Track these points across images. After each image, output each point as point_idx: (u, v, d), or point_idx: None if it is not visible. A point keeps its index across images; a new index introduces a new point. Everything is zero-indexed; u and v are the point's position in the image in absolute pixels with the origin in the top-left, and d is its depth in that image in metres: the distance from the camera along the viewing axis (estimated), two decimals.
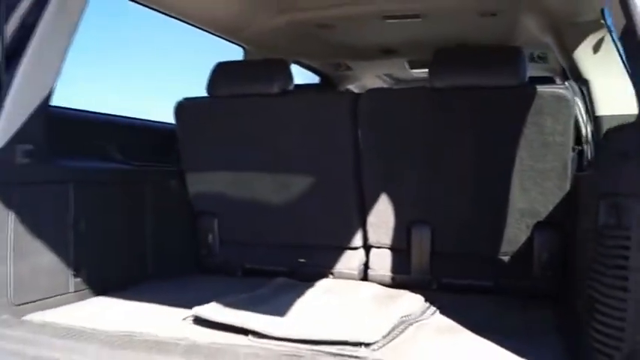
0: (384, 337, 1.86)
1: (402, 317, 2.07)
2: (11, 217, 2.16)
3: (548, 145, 2.40)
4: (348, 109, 2.67)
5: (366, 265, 2.84)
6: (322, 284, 2.65)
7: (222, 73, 2.89)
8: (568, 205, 2.41)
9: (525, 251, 2.56)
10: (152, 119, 3.41)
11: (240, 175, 2.94)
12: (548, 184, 2.45)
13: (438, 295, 2.50)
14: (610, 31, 1.86)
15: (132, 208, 2.81)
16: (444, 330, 2.04)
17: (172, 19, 3.26)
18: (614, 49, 1.78)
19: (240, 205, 2.98)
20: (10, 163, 2.16)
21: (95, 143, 2.79)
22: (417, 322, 2.11)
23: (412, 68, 4.69)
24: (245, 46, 4.00)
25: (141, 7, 2.97)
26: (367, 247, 2.85)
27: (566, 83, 4.52)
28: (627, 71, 1.54)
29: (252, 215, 2.98)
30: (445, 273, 2.69)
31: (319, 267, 2.85)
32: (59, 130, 2.43)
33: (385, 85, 5.55)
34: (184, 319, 2.12)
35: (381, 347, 1.81)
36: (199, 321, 2.07)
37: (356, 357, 1.74)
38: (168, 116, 3.05)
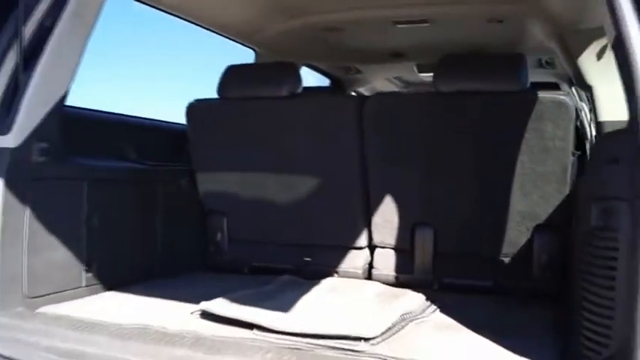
0: (383, 332, 1.91)
1: (402, 314, 2.12)
2: (26, 213, 2.23)
3: (548, 149, 2.45)
4: (354, 112, 2.73)
5: (371, 265, 2.90)
6: (327, 282, 2.71)
7: (232, 75, 2.96)
8: (567, 209, 2.46)
9: (525, 253, 2.61)
10: (164, 120, 3.50)
11: (249, 176, 3.01)
12: (548, 188, 2.51)
13: (439, 294, 2.55)
14: None
15: (143, 206, 2.89)
16: (443, 327, 2.10)
17: (189, 23, 3.37)
18: None
19: (249, 204, 3.04)
20: (26, 160, 2.24)
21: (108, 142, 2.87)
22: (416, 319, 2.16)
23: (420, 72, 4.74)
24: (256, 49, 4.05)
25: (159, 12, 3.08)
26: (372, 247, 2.91)
27: (572, 89, 4.58)
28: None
29: (260, 214, 3.05)
30: (447, 273, 2.74)
31: (324, 266, 2.92)
32: (74, 130, 2.49)
33: (395, 88, 5.62)
34: (192, 313, 2.19)
35: (379, 342, 1.86)
36: (206, 315, 2.14)
37: (355, 351, 1.79)
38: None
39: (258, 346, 1.83)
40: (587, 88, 3.32)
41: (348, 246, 2.91)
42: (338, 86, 5.20)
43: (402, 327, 2.05)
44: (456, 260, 2.74)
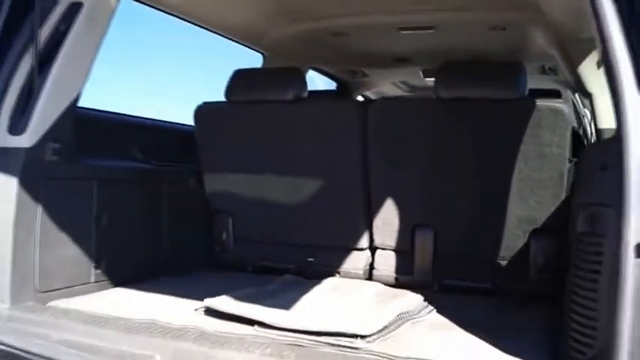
0: (379, 330, 1.98)
1: (399, 314, 2.18)
2: (39, 211, 2.31)
3: (545, 155, 2.50)
4: (357, 116, 2.78)
5: (372, 266, 2.95)
6: (328, 282, 2.77)
7: (239, 79, 3.02)
8: (563, 213, 2.50)
9: (523, 256, 2.66)
10: (173, 121, 3.57)
11: (255, 177, 3.06)
12: (544, 193, 2.56)
13: (438, 295, 2.61)
14: None
15: (151, 205, 2.95)
16: (438, 327, 2.16)
17: (199, 27, 3.44)
18: None
19: (254, 205, 3.10)
20: (40, 160, 2.31)
21: (118, 143, 2.93)
22: (413, 319, 2.22)
23: (426, 77, 4.77)
24: (264, 52, 4.12)
25: (170, 17, 3.15)
26: (373, 249, 2.96)
27: (575, 95, 4.63)
28: None
29: (265, 215, 3.10)
30: (446, 275, 2.79)
31: (326, 266, 2.97)
32: (85, 130, 2.56)
33: (401, 92, 5.66)
34: (196, 309, 2.25)
35: (375, 339, 1.93)
36: (210, 312, 2.21)
37: (351, 347, 1.86)
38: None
39: (258, 341, 1.90)
40: (588, 96, 3.36)
41: (350, 247, 2.96)
42: (344, 89, 5.25)
43: (399, 326, 2.11)
44: (455, 262, 2.79)
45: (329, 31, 3.81)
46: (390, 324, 2.08)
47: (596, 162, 1.73)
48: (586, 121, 4.66)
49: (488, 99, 2.58)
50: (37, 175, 2.30)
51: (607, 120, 3.20)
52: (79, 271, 2.52)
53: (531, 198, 2.59)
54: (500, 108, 2.57)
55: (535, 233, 2.64)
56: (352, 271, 2.95)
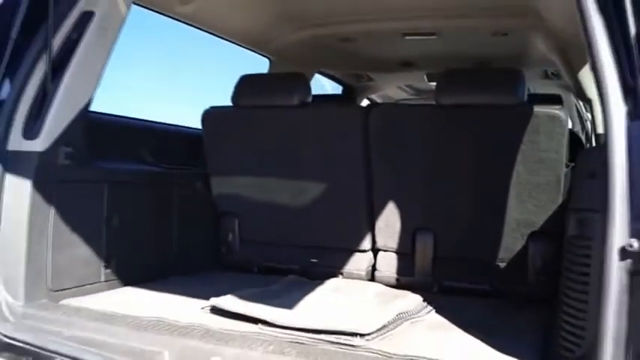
0: (378, 329, 2.04)
1: (398, 314, 2.24)
2: (52, 213, 2.37)
3: (542, 160, 2.54)
4: (360, 121, 2.83)
5: (374, 267, 3.00)
6: (331, 283, 2.82)
7: (246, 85, 3.07)
8: (560, 217, 2.55)
9: (521, 258, 2.70)
10: (181, 125, 3.64)
11: (261, 180, 3.12)
12: (542, 197, 2.59)
13: (437, 296, 2.66)
14: None
15: (160, 207, 3.01)
16: (436, 326, 2.22)
17: (207, 34, 3.53)
18: None
19: (260, 207, 3.15)
20: (53, 164, 2.37)
21: (128, 147, 3.00)
22: (412, 318, 2.28)
23: (430, 81, 4.82)
24: (271, 57, 4.18)
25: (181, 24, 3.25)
26: (375, 250, 3.01)
27: (580, 102, 4.68)
28: None
29: (270, 217, 3.16)
30: (446, 276, 2.84)
31: (330, 267, 3.02)
32: (96, 134, 2.63)
33: (406, 96, 5.73)
34: (203, 308, 2.32)
35: (374, 338, 1.99)
36: (216, 310, 2.27)
37: (351, 345, 1.93)
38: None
39: (261, 339, 1.96)
40: (588, 101, 3.41)
41: (353, 249, 3.01)
42: (350, 93, 5.31)
43: (398, 325, 2.17)
44: (454, 264, 2.84)
45: (335, 37, 3.88)
46: (390, 323, 2.15)
47: (586, 169, 1.79)
48: (589, 125, 4.70)
49: (487, 105, 2.62)
50: (50, 178, 2.36)
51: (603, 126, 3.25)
52: (89, 270, 2.58)
53: (529, 201, 2.63)
54: (499, 114, 2.62)
55: (533, 236, 2.68)
56: (355, 272, 3.01)
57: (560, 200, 2.59)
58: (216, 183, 3.23)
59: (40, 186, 2.32)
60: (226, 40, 3.72)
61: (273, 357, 1.84)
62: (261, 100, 3.03)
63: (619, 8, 1.57)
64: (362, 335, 1.98)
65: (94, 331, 2.05)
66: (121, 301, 2.44)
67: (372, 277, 3.01)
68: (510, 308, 2.59)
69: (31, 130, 2.34)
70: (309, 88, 3.07)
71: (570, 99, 4.93)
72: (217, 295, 2.36)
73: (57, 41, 2.40)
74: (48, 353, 1.96)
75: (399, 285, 2.90)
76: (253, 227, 3.25)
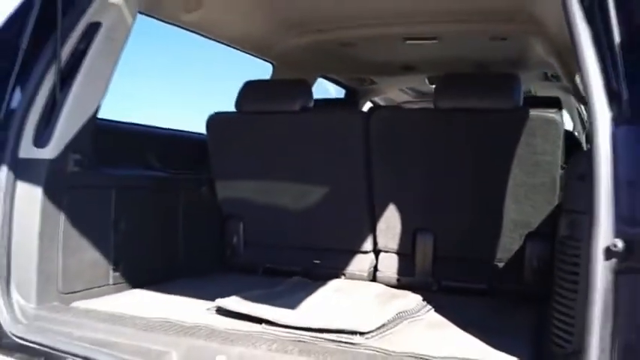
0: (378, 328, 2.11)
1: (398, 313, 2.31)
2: (62, 218, 2.44)
3: (538, 163, 2.59)
4: (360, 126, 2.88)
5: (375, 268, 3.06)
6: (334, 284, 2.89)
7: (249, 91, 3.12)
8: (556, 218, 2.62)
9: (518, 258, 2.75)
10: (186, 130, 3.71)
11: (264, 184, 3.18)
12: (538, 198, 2.64)
13: (437, 295, 2.72)
14: None
15: (166, 211, 3.07)
16: (434, 325, 2.28)
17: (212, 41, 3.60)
18: None
19: (264, 210, 3.21)
20: (62, 171, 2.44)
21: (135, 152, 3.06)
22: (411, 317, 2.34)
23: (431, 84, 4.86)
24: (274, 62, 4.25)
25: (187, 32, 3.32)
26: (376, 251, 3.07)
27: (581, 105, 4.72)
28: None
29: (274, 220, 3.22)
30: (445, 276, 2.89)
31: (332, 268, 3.08)
32: (104, 140, 2.69)
33: (409, 98, 5.79)
34: (208, 309, 2.38)
35: (374, 336, 2.05)
36: (221, 311, 2.33)
37: (351, 343, 1.99)
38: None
39: (265, 338, 2.03)
40: (585, 104, 3.45)
41: (355, 250, 3.07)
42: (353, 96, 5.38)
43: (397, 324, 2.24)
44: (453, 264, 2.89)
45: (336, 42, 3.94)
46: (389, 322, 2.21)
47: (575, 172, 1.85)
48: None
49: (484, 109, 2.67)
50: (59, 184, 2.42)
51: None
52: (98, 273, 2.64)
53: (526, 203, 2.67)
54: (496, 118, 2.66)
55: (530, 236, 2.73)
56: (357, 272, 3.06)
57: (555, 202, 2.63)
58: (221, 187, 3.28)
59: (50, 192, 2.38)
60: (230, 46, 3.78)
61: (276, 355, 1.91)
62: (264, 105, 3.08)
63: (605, 18, 1.63)
64: (362, 334, 2.04)
65: (103, 332, 2.11)
66: (129, 302, 2.51)
67: (373, 278, 3.07)
68: (507, 307, 2.64)
69: (41, 139, 2.40)
70: (310, 94, 3.13)
71: (571, 100, 4.98)
72: (222, 296, 2.43)
73: (65, 51, 2.45)
74: (59, 353, 2.03)
75: (399, 285, 2.95)
76: (257, 230, 3.30)
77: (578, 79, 3.49)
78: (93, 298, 2.54)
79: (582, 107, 4.95)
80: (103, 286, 2.67)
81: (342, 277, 3.08)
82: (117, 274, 2.74)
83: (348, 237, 3.09)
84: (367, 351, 1.95)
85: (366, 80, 5.15)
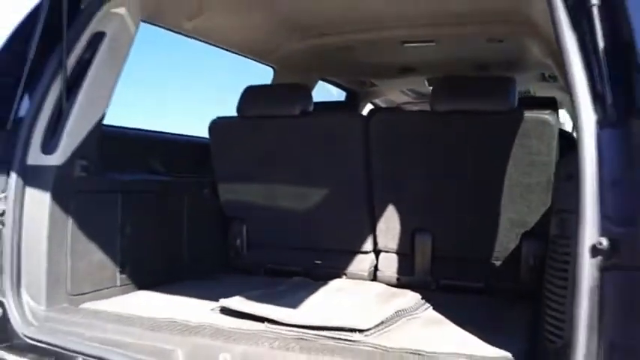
0: (376, 325, 2.17)
1: (396, 311, 2.37)
2: (70, 222, 2.50)
3: (533, 163, 2.64)
4: (359, 129, 2.94)
5: (376, 268, 3.12)
6: (335, 283, 2.95)
7: (250, 96, 3.18)
8: (550, 217, 2.67)
9: (515, 257, 2.80)
10: (189, 134, 3.78)
11: (266, 186, 3.23)
12: (534, 198, 2.69)
13: (435, 294, 2.77)
14: None
15: (171, 214, 3.13)
16: (432, 322, 2.34)
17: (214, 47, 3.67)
18: None
19: (266, 212, 3.27)
20: (69, 176, 2.50)
21: (139, 157, 3.14)
22: (410, 315, 2.41)
23: (430, 85, 4.91)
24: (275, 66, 4.31)
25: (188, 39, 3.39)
26: (377, 252, 3.12)
27: None
28: None
29: (276, 222, 3.28)
30: (444, 275, 2.95)
31: (334, 268, 3.14)
32: (109, 146, 2.75)
33: (408, 99, 5.84)
34: (212, 309, 2.44)
35: (372, 333, 2.12)
36: (225, 311, 2.39)
37: (351, 340, 2.06)
38: None
39: (267, 336, 2.10)
40: None
41: (355, 250, 3.13)
42: (353, 98, 5.43)
43: (395, 322, 2.30)
44: (452, 263, 2.94)
45: (336, 46, 3.98)
46: (388, 320, 2.27)
47: (564, 173, 1.91)
48: None
49: (480, 111, 2.72)
50: (67, 189, 2.49)
51: None
52: (105, 275, 2.71)
53: (522, 203, 2.72)
54: (491, 119, 2.71)
55: (526, 236, 2.77)
56: (358, 272, 3.12)
57: (550, 201, 2.68)
58: (224, 190, 3.34)
59: (58, 197, 2.45)
60: (231, 51, 3.85)
61: (278, 352, 1.97)
62: (265, 110, 3.14)
63: (590, 24, 1.69)
64: (361, 331, 2.10)
65: (112, 332, 2.19)
66: (136, 303, 2.57)
67: (374, 277, 3.13)
68: (504, 304, 2.69)
69: (48, 146, 2.47)
70: (310, 98, 3.18)
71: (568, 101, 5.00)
72: (226, 296, 2.49)
73: (71, 61, 2.53)
74: (70, 353, 2.10)
75: (399, 284, 3.01)
76: (260, 232, 3.37)
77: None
78: (101, 300, 2.61)
79: None
80: (111, 287, 2.73)
81: (343, 276, 3.14)
82: (124, 275, 2.80)
83: (349, 238, 3.14)
84: (366, 347, 2.01)
85: (367, 82, 5.21)
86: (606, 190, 1.57)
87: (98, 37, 2.58)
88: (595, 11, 1.66)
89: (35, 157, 2.45)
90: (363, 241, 3.10)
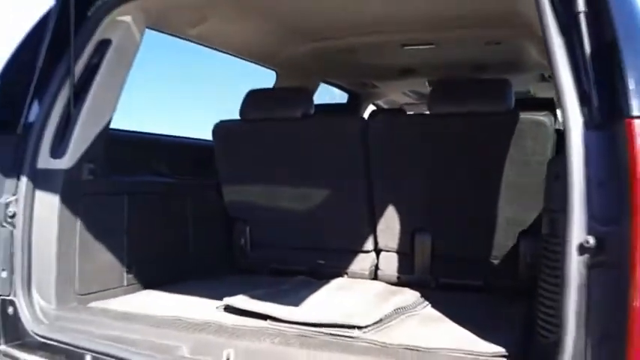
0: (375, 322, 2.23)
1: (395, 309, 2.43)
2: (78, 224, 2.57)
3: (529, 163, 2.68)
4: (359, 131, 3.01)
5: (376, 267, 3.18)
6: (336, 282, 3.01)
7: (252, 99, 3.24)
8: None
9: (512, 255, 2.85)
10: (194, 137, 3.85)
11: (269, 188, 3.30)
12: (529, 197, 2.69)
13: (435, 292, 2.83)
14: None
15: (176, 215, 3.21)
16: (429, 320, 2.40)
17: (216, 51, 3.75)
18: None
19: (269, 213, 3.33)
20: (77, 179, 2.57)
21: (144, 159, 3.20)
22: (409, 312, 2.47)
23: (431, 86, 5.00)
24: (277, 70, 4.38)
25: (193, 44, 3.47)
26: (377, 251, 3.18)
27: None
28: None
29: (278, 222, 3.34)
30: (443, 274, 3.00)
31: (335, 268, 3.20)
32: (116, 149, 2.82)
33: (409, 100, 5.89)
34: (217, 307, 2.50)
35: (371, 330, 2.18)
36: (228, 309, 2.46)
37: (350, 337, 2.12)
38: None
39: (269, 333, 2.16)
40: None
41: (356, 250, 3.19)
42: (355, 100, 5.50)
43: (394, 319, 2.36)
44: (451, 262, 3.00)
45: (337, 49, 4.04)
46: (386, 317, 2.33)
47: (553, 172, 1.97)
48: None
49: (477, 113, 2.77)
50: (75, 192, 2.56)
51: None
52: (113, 275, 2.78)
53: (518, 202, 2.77)
54: (488, 121, 2.76)
55: (523, 234, 2.82)
56: (359, 271, 3.18)
57: None
58: (228, 191, 3.41)
59: (66, 200, 2.52)
60: (234, 56, 3.92)
61: (279, 348, 2.04)
62: (267, 113, 3.20)
63: (577, 30, 1.75)
64: (360, 328, 2.16)
65: (119, 330, 2.26)
66: (142, 302, 2.64)
67: (374, 276, 3.19)
68: (502, 302, 2.73)
69: (57, 150, 2.53)
70: (311, 101, 3.25)
71: None
72: (230, 295, 2.54)
73: (78, 68, 2.59)
74: (79, 351, 2.17)
75: (400, 283, 3.07)
76: (263, 232, 3.43)
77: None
78: (108, 299, 2.67)
79: None
80: (118, 287, 2.80)
81: (345, 275, 3.20)
82: (130, 275, 2.87)
83: (350, 237, 3.21)
84: (364, 343, 2.08)
85: (368, 84, 5.26)
86: (593, 190, 1.64)
87: (105, 45, 2.64)
88: (582, 18, 1.72)
89: (44, 161, 2.52)
90: (363, 240, 3.16)
